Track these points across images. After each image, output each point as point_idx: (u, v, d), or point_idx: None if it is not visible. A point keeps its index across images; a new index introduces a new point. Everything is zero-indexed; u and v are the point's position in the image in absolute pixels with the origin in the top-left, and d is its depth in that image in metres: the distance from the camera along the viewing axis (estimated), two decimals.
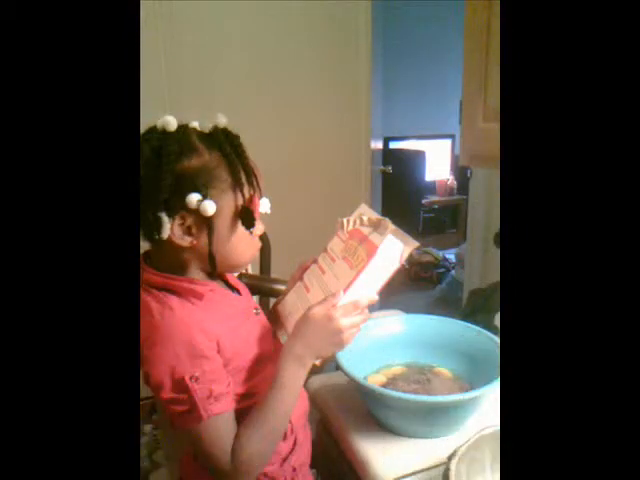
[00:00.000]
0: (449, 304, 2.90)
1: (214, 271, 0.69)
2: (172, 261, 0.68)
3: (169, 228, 0.63)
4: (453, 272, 3.27)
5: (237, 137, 0.67)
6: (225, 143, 0.65)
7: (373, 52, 2.10)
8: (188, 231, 0.65)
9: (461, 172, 3.72)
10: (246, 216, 0.66)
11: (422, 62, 3.90)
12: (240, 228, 0.67)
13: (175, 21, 1.79)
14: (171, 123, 0.64)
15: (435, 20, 3.74)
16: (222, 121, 0.67)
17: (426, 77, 3.96)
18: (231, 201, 0.65)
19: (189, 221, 0.64)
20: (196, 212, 0.63)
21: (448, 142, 4.04)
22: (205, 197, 0.62)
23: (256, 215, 0.67)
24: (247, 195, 0.66)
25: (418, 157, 3.78)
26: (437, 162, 4.00)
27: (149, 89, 1.55)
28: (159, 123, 0.64)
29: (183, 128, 0.65)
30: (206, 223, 0.64)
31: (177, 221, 0.63)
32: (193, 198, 0.62)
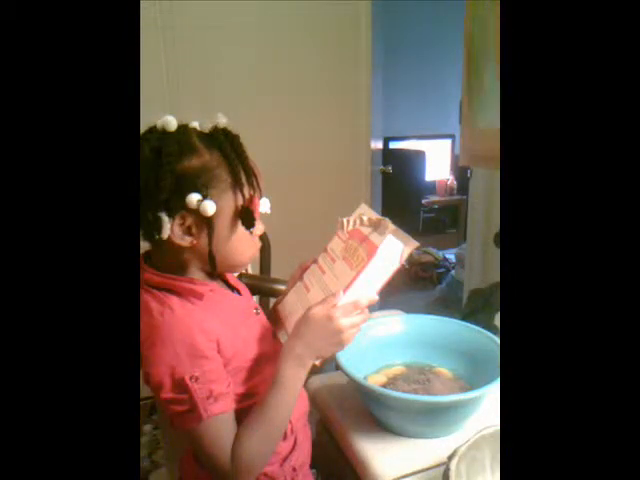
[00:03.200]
0: (449, 304, 2.90)
1: (214, 271, 0.69)
2: (172, 261, 0.68)
3: (169, 228, 0.63)
4: (453, 272, 3.26)
5: (237, 137, 0.67)
6: (225, 143, 0.65)
7: (373, 52, 2.10)
8: (188, 231, 0.65)
9: (461, 172, 3.72)
10: (246, 216, 0.66)
11: (422, 62, 3.89)
12: (240, 228, 0.67)
13: (176, 21, 1.79)
14: (171, 123, 0.64)
15: (435, 20, 3.73)
16: (222, 121, 0.67)
17: (426, 77, 3.96)
18: (231, 201, 0.65)
19: (189, 221, 0.64)
20: (196, 212, 0.63)
21: (448, 142, 4.04)
22: (205, 197, 0.62)
23: (256, 215, 0.67)
24: (247, 195, 0.66)
25: (418, 157, 3.78)
26: (437, 162, 4.00)
27: (149, 89, 1.55)
28: (159, 123, 0.64)
29: (183, 128, 0.65)
30: (206, 223, 0.64)
31: (177, 221, 0.63)
32: (193, 198, 0.62)
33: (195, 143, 0.64)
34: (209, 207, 0.62)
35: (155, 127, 0.65)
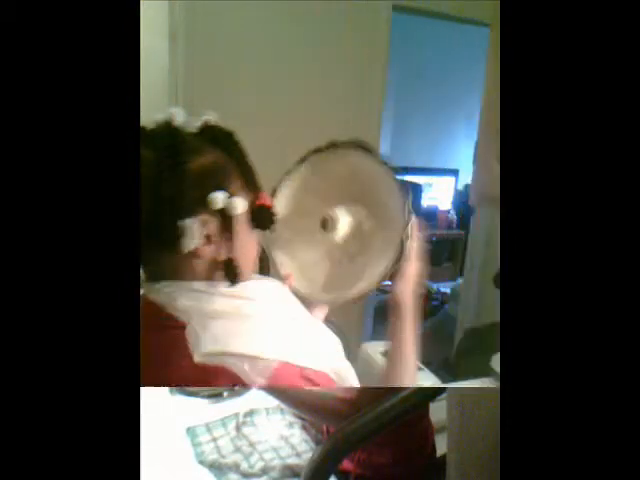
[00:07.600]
0: (439, 339, 2.86)
1: (235, 283, 0.59)
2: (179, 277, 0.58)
3: (197, 236, 0.54)
4: (447, 307, 3.24)
5: (234, 134, 0.60)
6: (226, 140, 0.59)
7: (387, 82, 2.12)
8: (208, 239, 0.56)
9: (462, 207, 3.72)
10: (265, 216, 0.60)
11: (431, 96, 3.93)
12: (253, 231, 0.61)
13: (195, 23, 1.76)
14: (179, 115, 0.56)
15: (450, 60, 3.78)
16: (212, 117, 0.59)
17: (436, 110, 4.00)
18: (245, 201, 0.58)
19: (212, 227, 0.55)
20: (221, 213, 0.55)
21: (452, 178, 4.07)
22: (232, 194, 0.55)
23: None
24: (257, 194, 0.61)
25: (415, 189, 3.79)
26: (439, 195, 4.02)
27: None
28: (163, 117, 0.56)
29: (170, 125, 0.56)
30: (229, 226, 0.56)
31: (199, 227, 0.54)
32: (218, 197, 0.54)
33: (198, 141, 0.56)
34: (239, 204, 0.55)
35: (162, 122, 0.56)
